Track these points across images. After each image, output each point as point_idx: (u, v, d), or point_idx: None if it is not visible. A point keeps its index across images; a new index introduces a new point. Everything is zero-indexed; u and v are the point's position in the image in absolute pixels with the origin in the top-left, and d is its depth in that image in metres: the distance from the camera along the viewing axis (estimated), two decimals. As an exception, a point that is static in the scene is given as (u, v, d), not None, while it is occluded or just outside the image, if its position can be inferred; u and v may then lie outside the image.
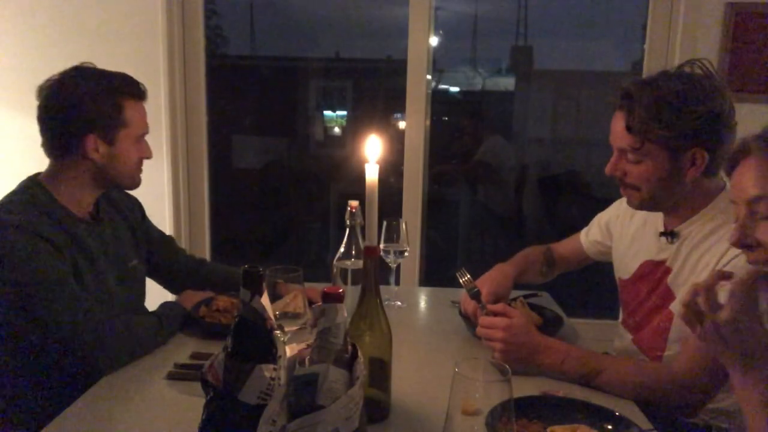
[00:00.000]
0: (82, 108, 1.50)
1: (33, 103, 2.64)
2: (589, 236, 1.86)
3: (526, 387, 1.28)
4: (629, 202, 1.55)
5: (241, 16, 4.50)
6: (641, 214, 1.65)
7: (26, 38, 2.70)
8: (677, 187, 1.45)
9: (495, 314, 1.49)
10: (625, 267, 1.67)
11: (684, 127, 1.37)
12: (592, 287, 2.00)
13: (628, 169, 1.47)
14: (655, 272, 1.56)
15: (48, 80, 1.54)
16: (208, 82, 2.88)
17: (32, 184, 1.55)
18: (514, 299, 1.75)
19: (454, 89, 4.73)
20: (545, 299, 1.94)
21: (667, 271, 1.52)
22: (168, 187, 2.77)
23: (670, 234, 1.52)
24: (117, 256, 1.66)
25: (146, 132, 1.63)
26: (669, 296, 1.51)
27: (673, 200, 1.49)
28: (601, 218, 1.84)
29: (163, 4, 2.66)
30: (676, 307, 1.47)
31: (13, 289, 1.38)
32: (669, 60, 2.66)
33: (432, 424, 1.19)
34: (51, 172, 1.57)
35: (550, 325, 1.66)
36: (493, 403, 0.90)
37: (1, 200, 1.52)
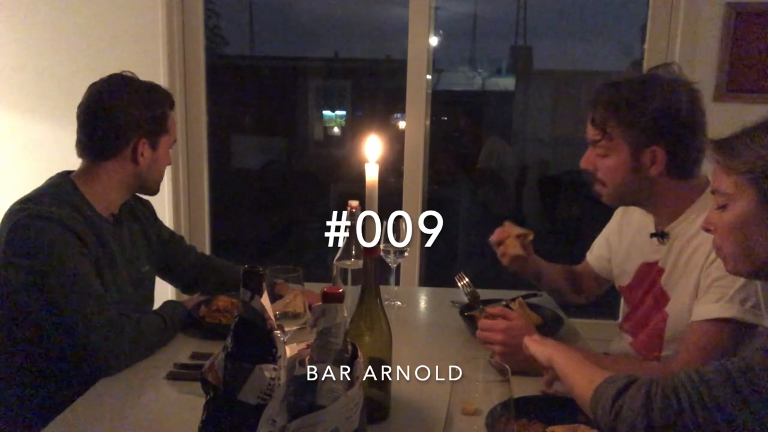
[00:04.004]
0: (135, 113, 1.57)
1: (33, 103, 2.67)
2: (594, 252, 1.85)
3: (526, 387, 1.28)
4: (600, 197, 1.58)
5: (241, 16, 4.51)
6: (636, 221, 1.67)
7: (26, 38, 2.70)
8: (641, 184, 1.48)
9: (494, 317, 1.49)
10: (624, 274, 1.68)
11: (638, 122, 1.43)
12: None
13: (598, 163, 1.52)
14: (649, 274, 1.57)
15: (95, 84, 1.60)
16: (208, 82, 2.88)
17: (63, 181, 1.58)
18: (513, 299, 1.75)
19: (455, 89, 4.73)
20: (545, 299, 1.94)
21: (660, 271, 1.53)
22: (168, 187, 2.76)
23: (660, 234, 1.54)
24: (132, 260, 1.68)
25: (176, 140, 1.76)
26: (663, 297, 1.52)
27: (641, 198, 1.52)
28: (602, 234, 1.85)
29: (163, 4, 2.66)
30: (672, 308, 1.48)
31: (37, 278, 1.39)
32: (669, 60, 2.65)
33: (432, 424, 1.19)
34: (85, 172, 1.60)
35: (550, 325, 1.66)
36: (493, 403, 0.90)
37: (31, 194, 1.54)
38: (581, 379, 1.14)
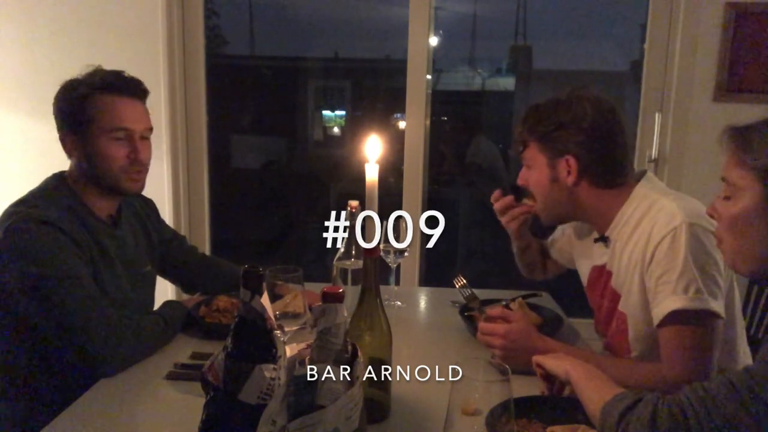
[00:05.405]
0: (57, 108, 1.54)
1: (33, 103, 2.67)
2: (556, 247, 1.88)
3: (526, 387, 1.28)
4: (539, 219, 1.64)
5: (241, 16, 4.50)
6: (585, 225, 1.68)
7: (26, 38, 2.70)
8: (562, 195, 1.53)
9: (494, 319, 1.49)
10: (583, 273, 1.71)
11: (547, 132, 1.50)
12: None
13: (528, 177, 1.58)
14: (601, 277, 1.60)
15: None
16: (208, 82, 2.88)
17: (58, 183, 1.57)
18: (513, 299, 1.75)
19: (455, 89, 4.72)
20: (545, 299, 1.94)
21: (609, 274, 1.55)
22: (168, 187, 2.77)
23: (602, 239, 1.57)
24: (132, 261, 1.67)
25: (126, 128, 1.53)
26: (616, 298, 1.54)
27: (569, 211, 1.56)
28: (563, 230, 1.86)
29: (163, 4, 2.66)
30: (625, 307, 1.50)
31: (32, 282, 1.39)
32: (669, 60, 2.66)
33: (432, 424, 1.19)
34: (71, 173, 1.60)
35: (550, 325, 1.66)
36: (493, 403, 0.90)
37: (26, 195, 1.53)
38: (594, 394, 1.13)
